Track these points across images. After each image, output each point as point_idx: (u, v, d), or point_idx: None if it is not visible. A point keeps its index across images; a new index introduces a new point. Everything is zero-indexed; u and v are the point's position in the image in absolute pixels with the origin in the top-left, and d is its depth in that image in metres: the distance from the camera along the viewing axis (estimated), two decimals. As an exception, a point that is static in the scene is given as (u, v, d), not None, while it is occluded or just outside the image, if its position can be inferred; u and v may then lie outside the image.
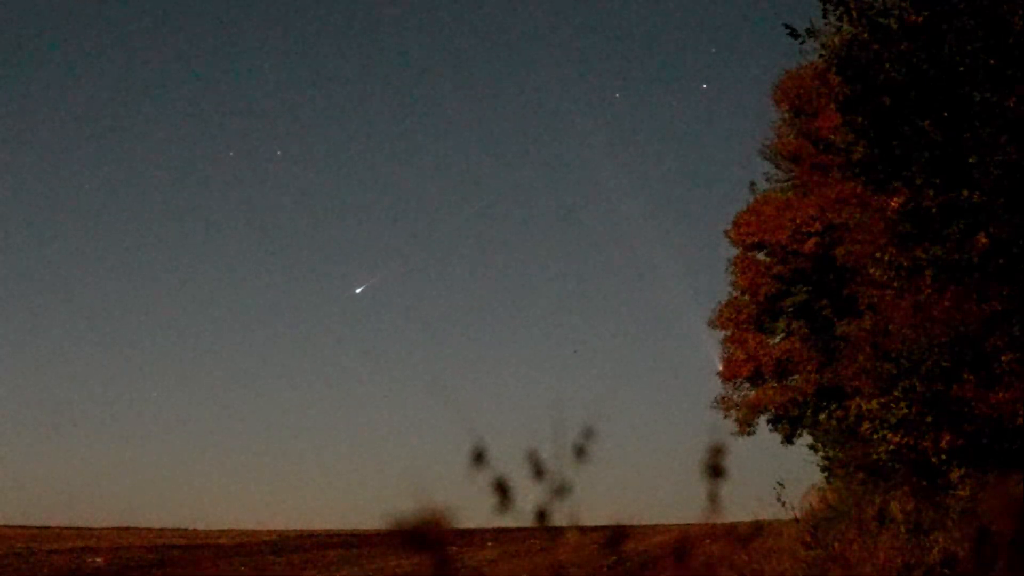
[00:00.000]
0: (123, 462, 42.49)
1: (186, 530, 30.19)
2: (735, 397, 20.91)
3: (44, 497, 39.28)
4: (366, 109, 47.93)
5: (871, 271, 11.18)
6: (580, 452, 1.32)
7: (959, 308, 10.01)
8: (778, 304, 19.77)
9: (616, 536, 1.36)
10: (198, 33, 46.81)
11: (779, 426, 20.68)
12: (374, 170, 48.49)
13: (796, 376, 19.81)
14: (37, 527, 30.09)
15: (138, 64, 46.97)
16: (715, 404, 21.09)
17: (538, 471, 1.31)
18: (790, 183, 20.18)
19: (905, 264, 10.22)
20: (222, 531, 30.20)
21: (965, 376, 10.34)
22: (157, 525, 30.60)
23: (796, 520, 13.00)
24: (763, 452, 21.94)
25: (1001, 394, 9.99)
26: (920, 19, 8.74)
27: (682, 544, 1.33)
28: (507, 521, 1.34)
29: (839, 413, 17.77)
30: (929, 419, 10.71)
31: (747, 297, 20.45)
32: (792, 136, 19.43)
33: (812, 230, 18.31)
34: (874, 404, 11.48)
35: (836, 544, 10.38)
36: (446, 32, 47.51)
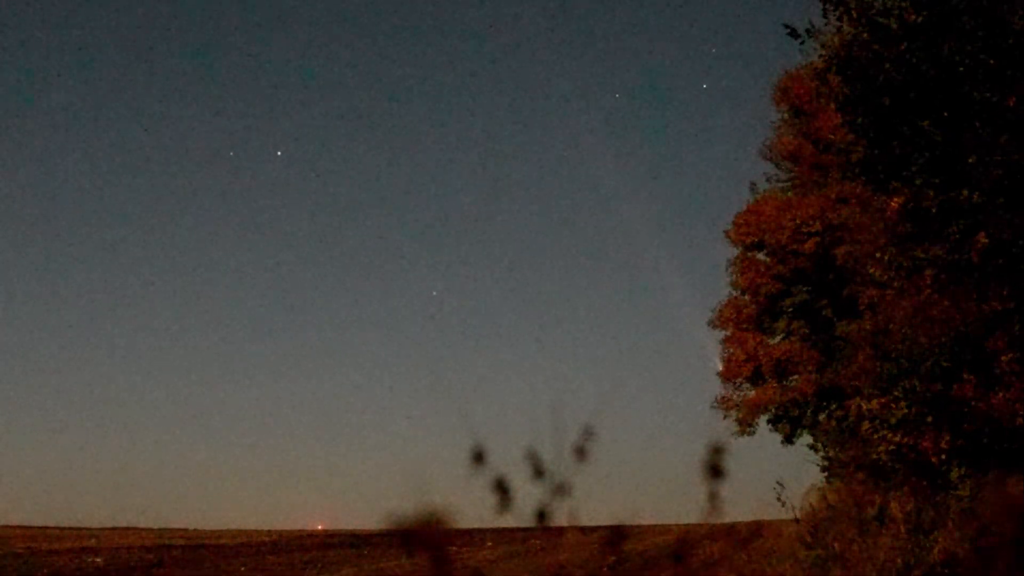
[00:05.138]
0: (123, 462, 42.48)
1: (186, 530, 30.21)
2: (735, 397, 20.89)
3: (44, 497, 39.26)
4: (365, 110, 47.95)
5: (871, 271, 11.18)
6: (580, 452, 1.32)
7: (959, 308, 10.00)
8: (778, 304, 19.76)
9: (616, 536, 1.36)
10: (198, 33, 46.81)
11: (779, 426, 20.66)
12: (373, 171, 48.51)
13: (796, 376, 19.79)
14: (37, 527, 30.10)
15: (138, 64, 46.96)
16: (715, 404, 21.08)
17: (538, 471, 1.31)
18: (790, 183, 20.17)
19: (905, 264, 10.21)
20: (222, 531, 30.22)
21: (965, 376, 10.33)
22: (157, 525, 30.61)
23: (796, 520, 12.99)
24: (763, 452, 21.94)
25: (1001, 394, 9.98)
26: (920, 19, 8.72)
27: (682, 544, 1.33)
28: (507, 521, 1.34)
29: (839, 413, 17.76)
30: (929, 419, 10.70)
31: (747, 297, 20.44)
32: (792, 136, 19.43)
33: (812, 230, 18.31)
34: (874, 404, 11.47)
35: (836, 544, 10.37)
36: (447, 32, 47.51)
